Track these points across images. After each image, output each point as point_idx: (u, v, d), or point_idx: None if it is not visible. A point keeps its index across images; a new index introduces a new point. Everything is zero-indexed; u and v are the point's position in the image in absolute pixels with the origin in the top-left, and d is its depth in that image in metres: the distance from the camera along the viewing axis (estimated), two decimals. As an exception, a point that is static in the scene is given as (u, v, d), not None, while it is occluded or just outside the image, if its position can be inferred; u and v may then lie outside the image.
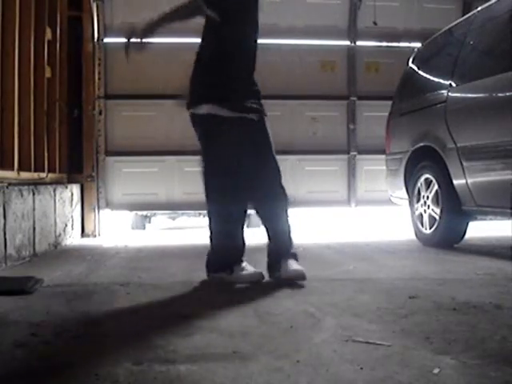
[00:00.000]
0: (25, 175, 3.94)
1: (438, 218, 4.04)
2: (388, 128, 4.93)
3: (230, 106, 2.64)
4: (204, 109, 2.65)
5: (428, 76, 4.52)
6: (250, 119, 2.68)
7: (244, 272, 2.74)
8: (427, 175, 4.21)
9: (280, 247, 2.74)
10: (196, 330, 1.84)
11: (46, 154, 4.40)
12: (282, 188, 2.75)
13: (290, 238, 2.76)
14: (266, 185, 2.73)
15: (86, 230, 5.32)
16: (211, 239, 2.80)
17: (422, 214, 4.29)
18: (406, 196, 4.57)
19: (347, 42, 5.91)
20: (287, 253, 2.73)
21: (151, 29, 2.68)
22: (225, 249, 2.76)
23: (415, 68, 4.77)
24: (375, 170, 5.70)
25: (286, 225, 2.75)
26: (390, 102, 4.98)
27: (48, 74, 4.51)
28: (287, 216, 2.75)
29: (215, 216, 2.77)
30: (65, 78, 5.00)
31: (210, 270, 2.79)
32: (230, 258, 2.76)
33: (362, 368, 1.44)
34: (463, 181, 3.71)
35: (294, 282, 2.64)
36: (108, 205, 5.64)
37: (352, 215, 6.17)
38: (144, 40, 2.69)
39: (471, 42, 3.93)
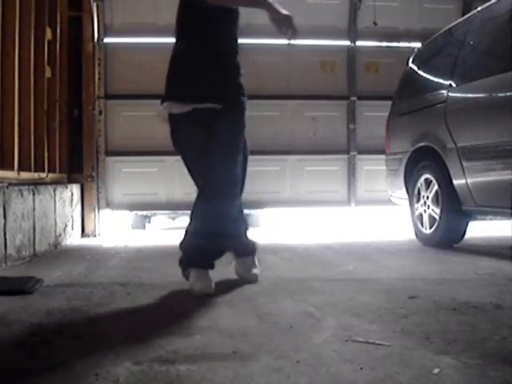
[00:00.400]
0: (25, 175, 3.95)
1: (437, 217, 4.04)
2: (388, 128, 4.94)
3: (181, 98, 2.57)
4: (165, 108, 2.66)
5: (428, 76, 4.52)
6: (203, 109, 2.49)
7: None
8: (427, 175, 4.21)
9: (248, 244, 2.82)
10: (196, 330, 1.84)
11: (46, 154, 4.40)
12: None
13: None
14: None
15: (86, 230, 5.32)
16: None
17: (421, 214, 4.29)
18: (405, 196, 4.57)
19: (347, 42, 5.91)
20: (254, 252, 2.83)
21: None
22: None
23: (415, 68, 4.77)
24: (375, 170, 5.70)
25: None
26: (390, 102, 4.98)
27: (48, 73, 4.51)
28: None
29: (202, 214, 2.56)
30: (65, 78, 5.00)
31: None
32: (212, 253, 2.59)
33: (362, 368, 1.44)
34: (463, 181, 3.71)
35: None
36: (108, 205, 5.64)
37: (352, 215, 6.16)
38: None
39: (471, 42, 3.93)
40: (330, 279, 2.84)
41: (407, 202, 4.57)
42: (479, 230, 4.88)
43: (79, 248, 4.48)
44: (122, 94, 5.63)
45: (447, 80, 4.03)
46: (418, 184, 4.33)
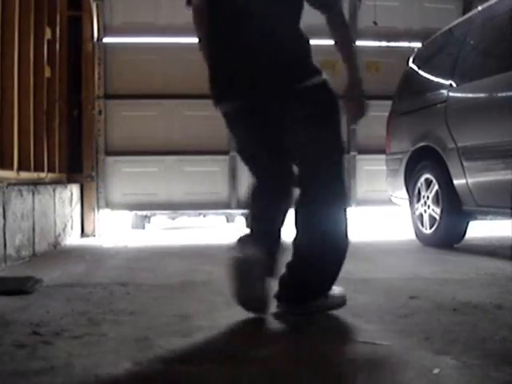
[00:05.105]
0: (24, 175, 3.94)
1: (438, 217, 4.04)
2: (388, 128, 4.93)
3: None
4: None
5: (428, 76, 4.52)
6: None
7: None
8: (427, 175, 4.21)
9: (323, 265, 2.00)
10: (196, 330, 1.84)
11: (45, 154, 4.39)
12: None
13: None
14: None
15: (86, 230, 5.31)
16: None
17: (422, 214, 4.29)
18: (406, 196, 4.57)
19: (347, 42, 5.90)
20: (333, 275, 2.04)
21: None
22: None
23: (415, 68, 4.77)
24: (375, 170, 5.69)
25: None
26: (390, 102, 4.98)
27: (48, 73, 4.51)
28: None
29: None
30: (64, 78, 5.00)
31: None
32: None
33: (362, 368, 1.43)
34: (463, 181, 3.71)
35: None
36: (108, 205, 5.63)
37: (352, 215, 6.16)
38: None
39: (471, 42, 3.93)
40: (330, 279, 2.83)
41: (407, 202, 4.56)
42: (479, 229, 4.88)
43: (79, 248, 4.48)
44: (121, 93, 5.63)
45: (447, 80, 4.03)
46: (419, 184, 4.33)
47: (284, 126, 2.01)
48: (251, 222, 2.16)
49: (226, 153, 5.68)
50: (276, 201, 2.12)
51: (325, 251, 1.98)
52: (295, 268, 2.01)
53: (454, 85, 3.92)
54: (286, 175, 2.11)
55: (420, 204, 4.32)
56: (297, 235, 2.02)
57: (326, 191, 1.98)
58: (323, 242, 1.97)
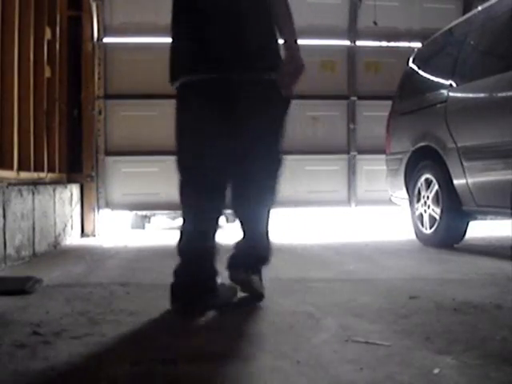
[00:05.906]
0: (24, 175, 3.94)
1: (438, 217, 4.04)
2: (388, 128, 4.93)
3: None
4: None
5: (428, 76, 4.52)
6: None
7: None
8: (427, 175, 4.21)
9: (259, 252, 2.28)
10: (196, 330, 1.84)
11: (45, 154, 4.39)
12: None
13: (268, 247, 2.30)
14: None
15: (86, 230, 5.31)
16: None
17: (422, 214, 4.29)
18: (406, 196, 4.57)
19: (347, 42, 5.90)
20: (264, 261, 2.29)
21: None
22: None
23: (415, 68, 4.77)
24: (375, 170, 5.70)
25: (265, 227, 2.29)
26: (390, 102, 4.98)
27: (48, 73, 4.51)
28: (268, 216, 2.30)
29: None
30: (64, 78, 5.00)
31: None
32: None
33: (362, 368, 1.43)
34: (463, 181, 3.71)
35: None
36: (108, 205, 5.63)
37: (352, 215, 6.16)
38: None
39: (471, 42, 3.93)
40: (330, 279, 2.83)
41: (407, 202, 4.57)
42: (479, 229, 4.88)
43: (79, 248, 4.48)
44: (121, 93, 5.63)
45: (447, 80, 4.03)
46: (419, 184, 4.33)
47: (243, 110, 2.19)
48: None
49: (226, 153, 5.67)
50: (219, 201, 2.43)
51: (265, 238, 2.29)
52: (244, 245, 2.30)
53: (454, 85, 3.92)
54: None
55: (420, 204, 4.33)
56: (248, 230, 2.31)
57: (269, 185, 2.40)
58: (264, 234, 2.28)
